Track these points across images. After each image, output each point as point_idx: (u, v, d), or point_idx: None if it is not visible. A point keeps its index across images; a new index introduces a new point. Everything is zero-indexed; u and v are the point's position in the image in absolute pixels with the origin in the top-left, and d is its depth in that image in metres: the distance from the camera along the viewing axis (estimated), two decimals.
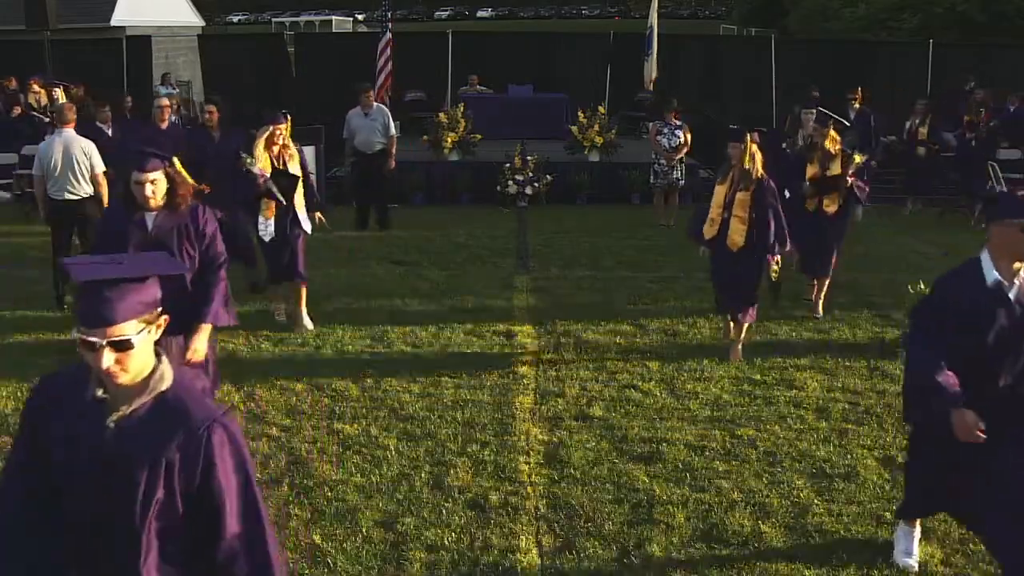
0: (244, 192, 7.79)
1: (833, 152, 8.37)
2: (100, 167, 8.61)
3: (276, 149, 7.79)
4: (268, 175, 7.69)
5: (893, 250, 10.89)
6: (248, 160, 7.59)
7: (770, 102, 17.68)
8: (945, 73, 17.41)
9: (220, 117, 10.16)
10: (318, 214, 8.20)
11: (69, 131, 8.56)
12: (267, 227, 7.77)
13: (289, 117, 8.23)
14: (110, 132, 11.09)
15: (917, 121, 13.97)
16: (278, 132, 7.76)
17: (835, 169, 8.35)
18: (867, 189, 8.77)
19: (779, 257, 7.44)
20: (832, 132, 8.55)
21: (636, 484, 5.32)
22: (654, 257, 10.86)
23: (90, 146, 8.60)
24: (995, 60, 18.15)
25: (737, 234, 7.09)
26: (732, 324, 7.48)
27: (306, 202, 7.99)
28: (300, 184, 7.89)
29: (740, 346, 7.44)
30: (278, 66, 18.65)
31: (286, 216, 7.82)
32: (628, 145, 15.30)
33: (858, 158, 8.43)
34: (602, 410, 6.38)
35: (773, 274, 7.64)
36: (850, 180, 8.35)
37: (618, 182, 14.47)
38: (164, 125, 10.81)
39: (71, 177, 8.46)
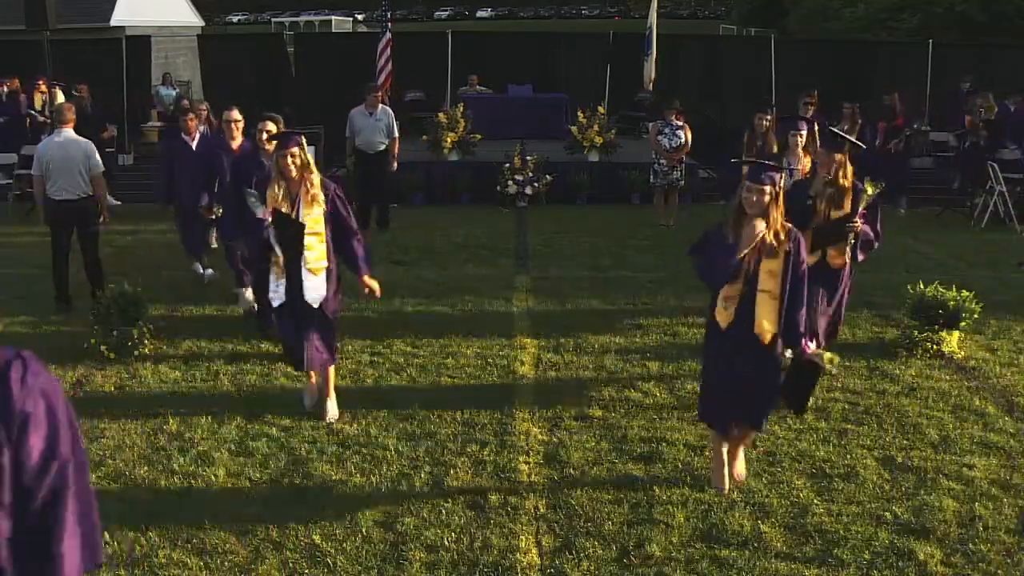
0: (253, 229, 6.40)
1: (844, 186, 6.38)
2: (99, 167, 8.60)
3: (294, 173, 5.80)
4: (271, 220, 5.92)
5: (893, 250, 10.88)
6: (253, 198, 6.13)
7: (770, 103, 17.67)
8: (945, 73, 17.42)
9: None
10: (368, 280, 6.15)
11: (68, 131, 8.55)
12: (276, 288, 5.98)
13: (279, 127, 7.13)
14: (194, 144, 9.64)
15: (846, 127, 12.34)
16: (292, 156, 5.76)
17: (843, 207, 6.41)
18: (880, 233, 6.70)
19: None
20: (839, 157, 6.38)
21: (636, 484, 5.32)
22: (654, 257, 10.86)
23: (89, 146, 8.60)
24: (995, 60, 18.16)
25: (768, 318, 4.99)
26: (722, 439, 5.29)
27: (348, 258, 6.06)
28: (321, 236, 5.92)
29: (741, 461, 5.41)
30: (278, 66, 18.65)
31: (298, 276, 5.94)
32: (628, 145, 15.31)
33: (871, 189, 6.38)
34: (602, 410, 6.38)
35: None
36: (858, 224, 6.38)
37: (618, 182, 14.48)
38: (235, 144, 8.66)
39: (71, 177, 8.46)
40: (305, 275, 5.88)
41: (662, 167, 12.47)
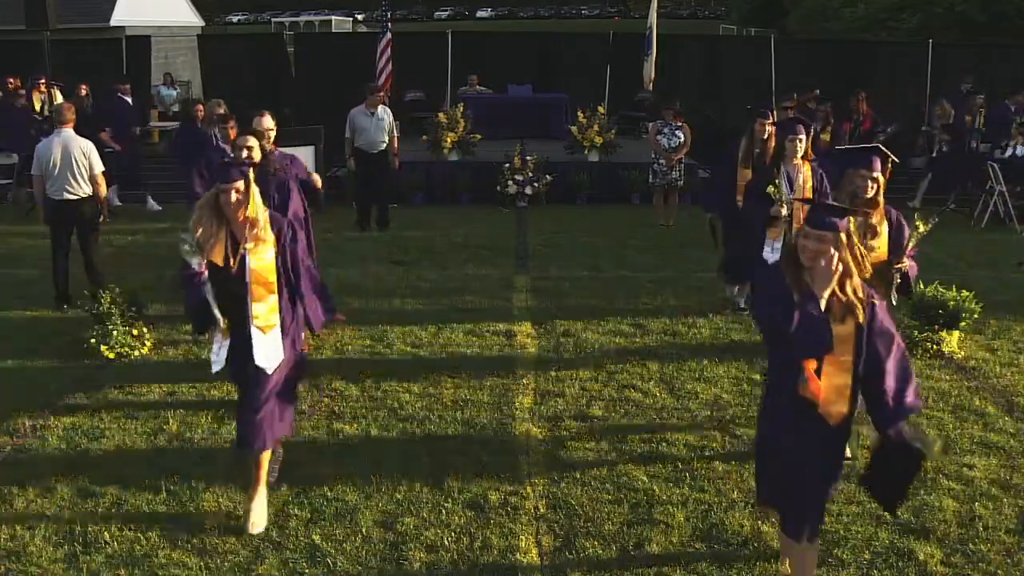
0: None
1: (876, 224, 5.19)
2: (99, 167, 8.60)
3: (237, 212, 4.69)
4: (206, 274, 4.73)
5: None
6: (187, 244, 4.70)
7: (770, 106, 17.64)
8: (945, 73, 17.41)
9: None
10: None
11: (68, 131, 8.56)
12: (218, 353, 4.91)
13: (261, 141, 6.44)
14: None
15: (818, 127, 12.15)
16: (235, 191, 4.63)
17: (879, 250, 5.22)
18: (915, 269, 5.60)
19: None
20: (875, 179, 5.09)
21: (636, 484, 5.32)
22: (654, 257, 10.86)
23: (89, 146, 8.60)
24: (995, 60, 18.14)
25: (839, 397, 3.90)
26: (784, 535, 4.17)
27: (306, 311, 5.05)
28: (271, 286, 4.78)
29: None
30: (278, 66, 18.63)
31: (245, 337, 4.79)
32: (628, 145, 15.30)
33: (922, 227, 5.27)
34: (602, 410, 6.38)
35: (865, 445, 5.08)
36: (906, 264, 5.34)
37: (618, 182, 14.48)
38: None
39: (70, 177, 8.46)
40: (254, 335, 4.73)
41: (661, 167, 12.46)
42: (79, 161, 8.46)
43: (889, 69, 18.04)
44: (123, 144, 13.84)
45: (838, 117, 13.89)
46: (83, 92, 14.73)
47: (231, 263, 4.72)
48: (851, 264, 3.80)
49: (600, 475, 5.43)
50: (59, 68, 16.58)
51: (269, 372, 4.79)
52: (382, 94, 12.32)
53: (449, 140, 14.57)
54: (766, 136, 8.24)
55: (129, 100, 14.77)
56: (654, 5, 18.34)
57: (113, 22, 25.09)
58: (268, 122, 7.07)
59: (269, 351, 4.78)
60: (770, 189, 6.59)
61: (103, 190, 8.78)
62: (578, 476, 5.42)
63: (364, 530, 4.81)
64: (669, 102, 12.91)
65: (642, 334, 8.03)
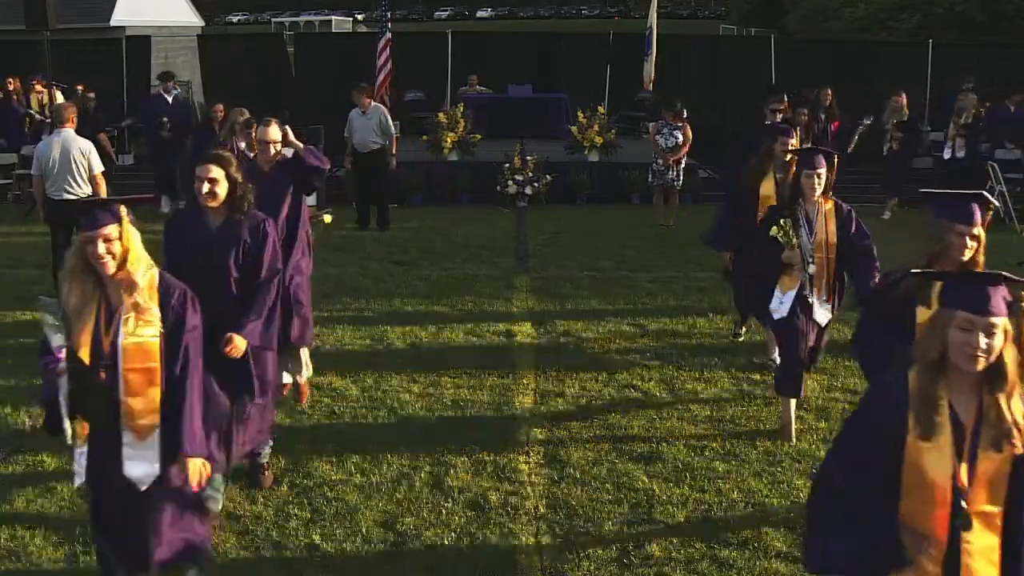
0: None
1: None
2: (98, 167, 8.60)
3: (110, 267, 3.62)
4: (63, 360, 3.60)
5: (893, 251, 10.86)
6: (51, 315, 3.62)
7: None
8: (945, 73, 17.40)
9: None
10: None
11: (68, 131, 8.56)
12: (79, 461, 3.82)
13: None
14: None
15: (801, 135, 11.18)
16: (105, 240, 3.61)
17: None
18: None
19: None
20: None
21: (636, 484, 5.32)
22: (654, 257, 10.86)
23: (88, 146, 8.60)
24: (995, 60, 18.14)
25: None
26: None
27: (182, 429, 3.72)
28: (152, 372, 3.68)
29: None
30: (278, 66, 18.63)
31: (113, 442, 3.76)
32: (628, 145, 15.31)
33: None
34: (602, 410, 6.38)
35: None
36: None
37: (618, 182, 14.48)
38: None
39: (69, 177, 8.46)
40: (125, 439, 3.66)
41: (659, 167, 12.46)
42: (78, 161, 8.46)
43: (889, 69, 18.04)
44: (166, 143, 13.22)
45: (813, 117, 13.27)
46: (88, 93, 14.68)
47: (102, 340, 3.61)
48: (1013, 369, 2.63)
49: (600, 475, 5.43)
50: (59, 68, 16.57)
51: (141, 488, 3.69)
52: (361, 94, 12.08)
53: (449, 140, 14.58)
54: (786, 159, 6.69)
55: (169, 98, 14.10)
56: (654, 5, 18.34)
57: (113, 22, 25.08)
58: (274, 133, 5.89)
59: (144, 461, 3.68)
60: (774, 230, 5.68)
61: (103, 190, 8.78)
62: (578, 476, 5.42)
63: (364, 530, 4.81)
64: (670, 104, 12.89)
65: (642, 334, 8.03)
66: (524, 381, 6.91)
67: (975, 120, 13.60)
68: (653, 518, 4.95)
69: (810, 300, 5.78)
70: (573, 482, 5.35)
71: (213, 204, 4.61)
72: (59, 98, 14.41)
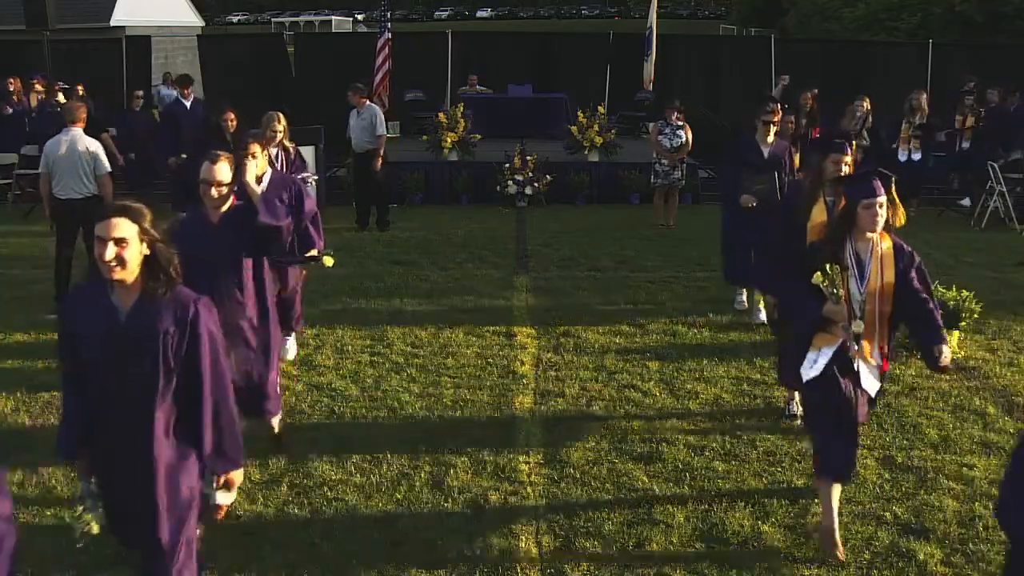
0: None
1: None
2: (106, 168, 8.60)
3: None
4: None
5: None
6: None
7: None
8: (944, 73, 17.41)
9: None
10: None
11: (77, 130, 8.56)
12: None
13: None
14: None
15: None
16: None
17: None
18: None
19: None
20: None
21: (636, 484, 5.32)
22: (654, 257, 10.86)
23: (96, 146, 8.60)
24: (994, 60, 18.14)
25: None
26: None
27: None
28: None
29: None
30: (278, 66, 18.64)
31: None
32: (628, 145, 15.29)
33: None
34: (602, 410, 6.38)
35: None
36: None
37: (618, 182, 14.48)
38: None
39: (76, 176, 8.46)
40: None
41: (663, 167, 12.44)
42: (86, 161, 8.47)
43: (889, 69, 18.05)
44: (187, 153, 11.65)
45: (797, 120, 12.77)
46: (82, 95, 14.69)
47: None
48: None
49: (600, 475, 5.43)
50: (59, 68, 16.59)
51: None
52: (354, 94, 12.02)
53: (449, 140, 14.56)
54: (836, 176, 5.35)
55: (187, 104, 13.46)
56: (654, 5, 18.35)
57: (113, 22, 25.12)
58: (221, 172, 4.82)
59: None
60: (818, 278, 4.49)
61: (109, 191, 8.77)
62: (578, 476, 5.42)
63: (364, 530, 4.81)
64: (669, 101, 12.88)
65: (642, 334, 8.03)
66: (524, 381, 6.91)
67: (929, 120, 13.42)
68: (653, 518, 4.95)
69: (855, 365, 4.59)
70: (573, 482, 5.35)
71: (121, 276, 3.32)
72: (60, 98, 14.41)
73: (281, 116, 7.78)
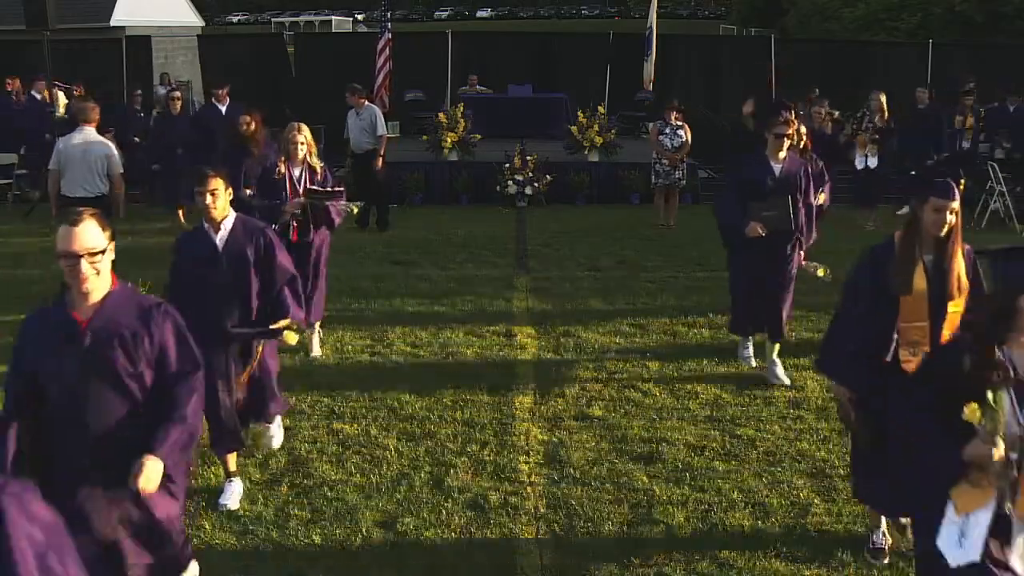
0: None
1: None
2: (117, 168, 8.60)
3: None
4: None
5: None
6: None
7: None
8: (944, 73, 17.41)
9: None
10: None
11: (89, 129, 8.57)
12: None
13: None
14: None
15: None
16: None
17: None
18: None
19: None
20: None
21: (636, 484, 5.32)
22: (654, 257, 10.86)
23: (109, 146, 8.61)
24: (994, 60, 18.15)
25: None
26: None
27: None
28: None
29: None
30: (278, 66, 18.65)
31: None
32: (628, 145, 15.30)
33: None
34: (602, 410, 6.38)
35: None
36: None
37: (618, 182, 14.48)
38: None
39: (87, 175, 8.46)
40: None
41: (664, 167, 12.43)
42: (97, 159, 8.47)
43: (889, 69, 18.05)
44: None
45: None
46: (81, 92, 14.70)
47: None
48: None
49: (600, 475, 5.43)
50: (59, 68, 16.58)
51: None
52: (353, 95, 12.00)
53: (449, 140, 14.57)
54: (945, 232, 4.07)
55: (222, 108, 12.24)
56: (654, 5, 18.35)
57: (113, 22, 25.11)
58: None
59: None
60: (969, 412, 3.11)
61: (121, 190, 8.77)
62: (578, 476, 5.42)
63: (364, 530, 4.81)
64: (670, 101, 12.89)
65: (642, 334, 8.03)
66: (524, 381, 6.91)
67: (887, 124, 12.29)
68: (653, 518, 4.95)
69: (1013, 528, 3.18)
70: (573, 482, 5.35)
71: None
72: (61, 98, 14.42)
73: (305, 127, 6.85)
